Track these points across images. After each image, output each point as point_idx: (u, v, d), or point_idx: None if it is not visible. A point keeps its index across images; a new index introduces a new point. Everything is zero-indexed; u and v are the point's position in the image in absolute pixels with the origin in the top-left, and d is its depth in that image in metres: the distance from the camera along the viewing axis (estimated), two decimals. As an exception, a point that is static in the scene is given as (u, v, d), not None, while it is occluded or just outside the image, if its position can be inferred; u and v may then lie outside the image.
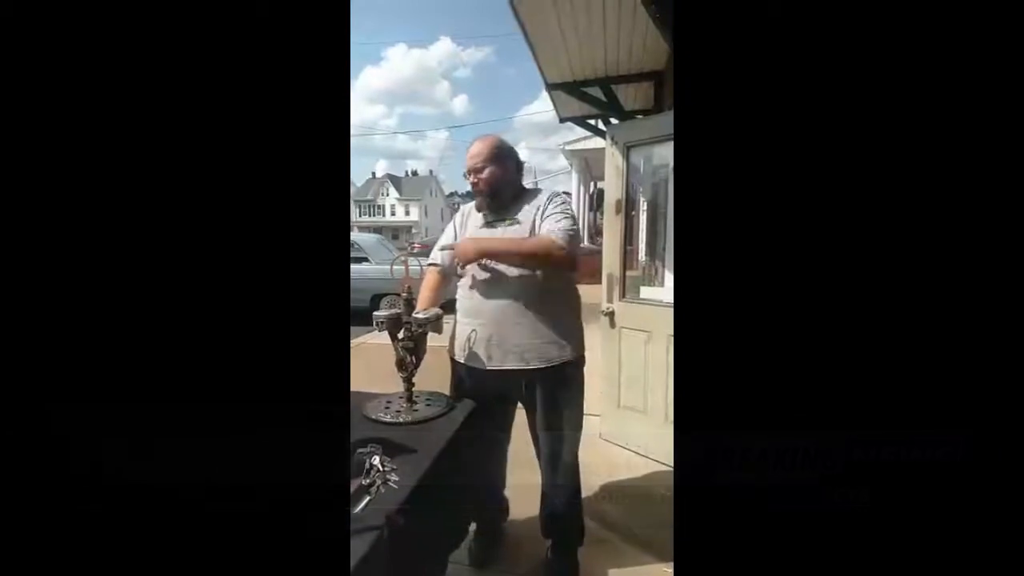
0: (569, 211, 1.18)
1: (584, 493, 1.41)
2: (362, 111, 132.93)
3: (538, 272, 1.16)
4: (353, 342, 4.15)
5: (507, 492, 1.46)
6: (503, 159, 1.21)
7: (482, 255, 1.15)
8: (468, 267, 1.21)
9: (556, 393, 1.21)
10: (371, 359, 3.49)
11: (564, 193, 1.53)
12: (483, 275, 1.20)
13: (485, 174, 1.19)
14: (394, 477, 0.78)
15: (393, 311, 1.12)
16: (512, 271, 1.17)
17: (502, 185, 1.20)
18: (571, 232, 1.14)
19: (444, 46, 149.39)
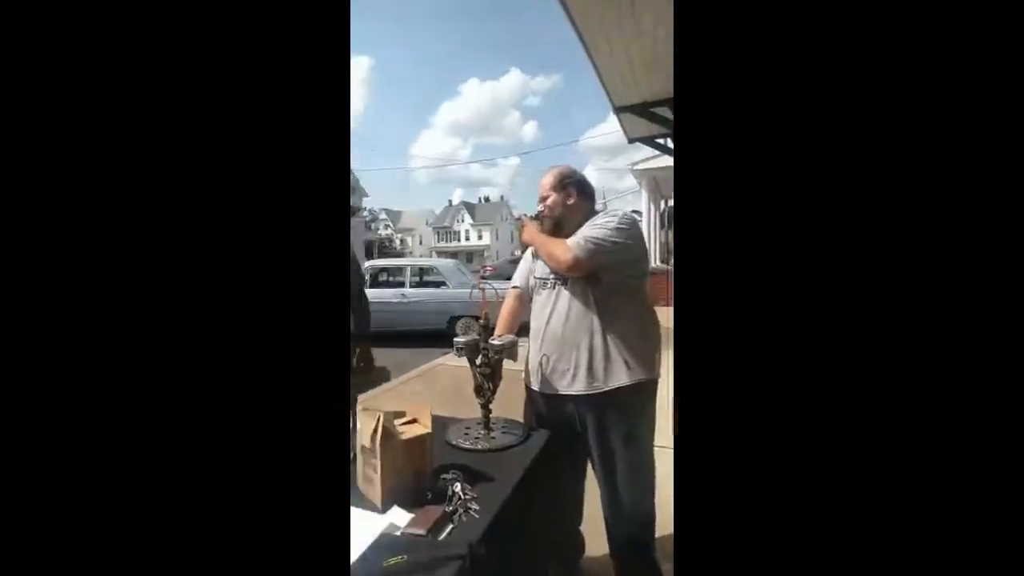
0: (609, 224, 1.16)
1: (661, 532, 1.33)
2: (440, 144, 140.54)
3: (591, 293, 1.17)
4: (430, 363, 4.34)
5: (583, 527, 1.42)
6: (567, 187, 1.27)
7: (531, 242, 1.29)
8: (535, 291, 1.29)
9: (607, 422, 1.17)
10: (447, 380, 3.63)
11: (633, 212, 1.52)
12: (545, 298, 1.24)
13: (549, 201, 1.28)
14: (475, 506, 0.80)
15: (471, 337, 1.16)
16: (567, 292, 1.19)
17: (566, 211, 1.26)
18: (591, 240, 1.13)
19: (514, 77, 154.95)
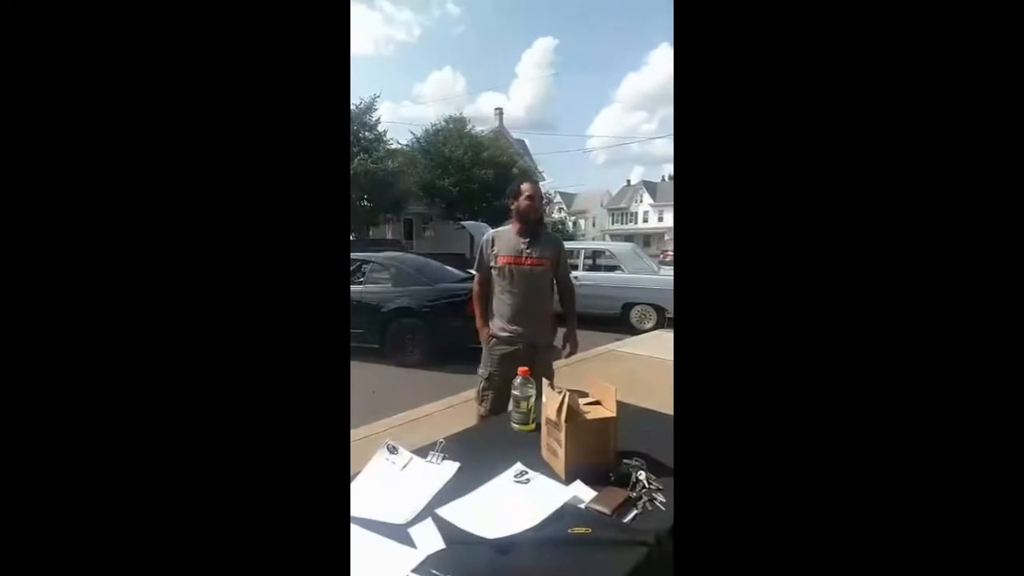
0: None
1: None
2: (621, 120, 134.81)
3: None
4: (603, 348, 4.34)
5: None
6: None
7: None
8: None
9: None
10: (619, 367, 3.58)
11: None
12: None
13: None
14: (661, 498, 0.78)
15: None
16: None
17: None
18: None
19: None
